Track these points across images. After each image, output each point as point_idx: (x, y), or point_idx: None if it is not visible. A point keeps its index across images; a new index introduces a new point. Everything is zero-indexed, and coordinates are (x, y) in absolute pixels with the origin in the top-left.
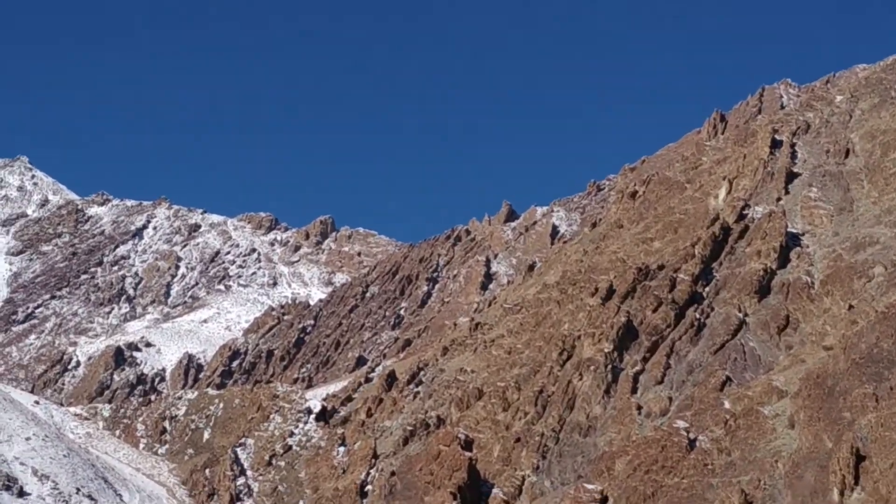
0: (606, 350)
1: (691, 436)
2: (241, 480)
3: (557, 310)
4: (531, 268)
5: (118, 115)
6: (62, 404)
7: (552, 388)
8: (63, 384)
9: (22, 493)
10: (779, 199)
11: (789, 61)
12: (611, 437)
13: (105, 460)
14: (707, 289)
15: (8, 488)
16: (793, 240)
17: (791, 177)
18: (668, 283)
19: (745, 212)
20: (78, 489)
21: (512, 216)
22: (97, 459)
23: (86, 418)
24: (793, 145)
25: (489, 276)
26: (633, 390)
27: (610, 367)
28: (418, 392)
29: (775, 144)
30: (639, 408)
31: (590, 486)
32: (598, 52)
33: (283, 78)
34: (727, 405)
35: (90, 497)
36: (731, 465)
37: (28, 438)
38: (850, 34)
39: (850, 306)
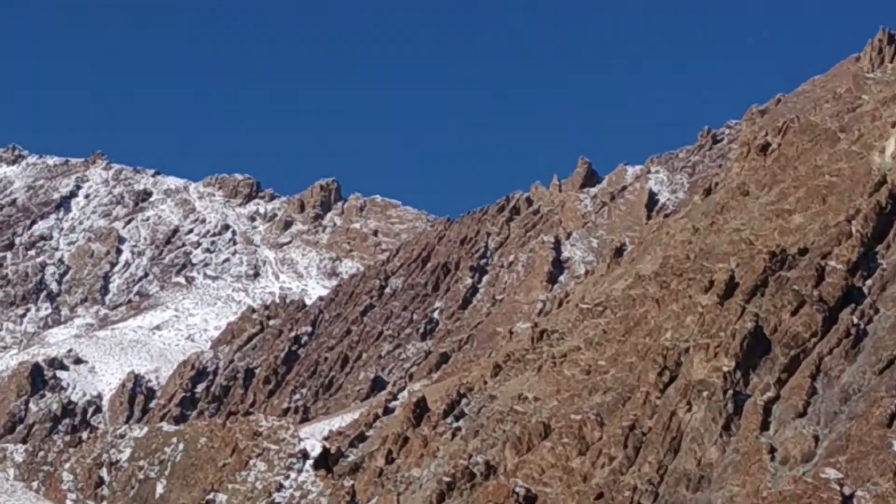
0: (726, 369)
1: (846, 490)
2: None
3: (656, 312)
4: (619, 251)
5: (37, 46)
6: None
7: (649, 422)
8: None
9: None
10: None
11: None
12: (732, 491)
13: None
14: (869, 282)
15: None
16: None
17: None
18: (814, 275)
19: None
20: None
21: (592, 179)
22: None
23: None
24: None
25: (559, 264)
26: (764, 426)
27: (731, 392)
28: (459, 428)
29: None
30: (772, 451)
31: None
32: None
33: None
34: None
35: None
36: None
37: None
38: None
39: None
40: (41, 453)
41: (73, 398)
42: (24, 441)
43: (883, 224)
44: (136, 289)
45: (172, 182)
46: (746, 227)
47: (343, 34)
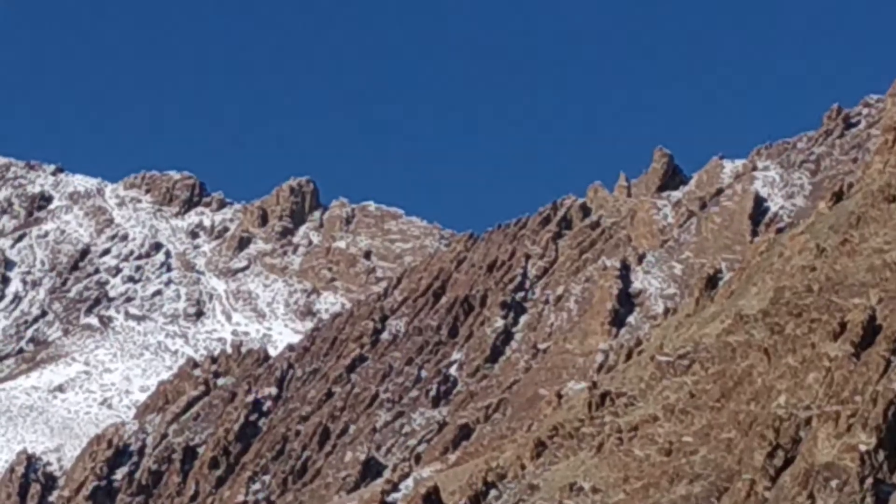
0: (864, 447)
1: None
2: None
3: (765, 366)
4: (712, 282)
5: None
6: None
7: None
8: None
9: None
10: None
11: None
12: None
13: None
14: None
15: None
16: None
17: None
18: None
19: None
20: None
21: (674, 179)
22: None
23: None
24: None
25: (628, 300)
26: None
27: (870, 481)
28: None
29: None
30: None
31: None
32: None
33: None
34: None
35: None
36: None
37: None
38: None
39: None
40: None
41: None
42: None
43: None
44: (29, 333)
45: (81, 182)
46: (893, 246)
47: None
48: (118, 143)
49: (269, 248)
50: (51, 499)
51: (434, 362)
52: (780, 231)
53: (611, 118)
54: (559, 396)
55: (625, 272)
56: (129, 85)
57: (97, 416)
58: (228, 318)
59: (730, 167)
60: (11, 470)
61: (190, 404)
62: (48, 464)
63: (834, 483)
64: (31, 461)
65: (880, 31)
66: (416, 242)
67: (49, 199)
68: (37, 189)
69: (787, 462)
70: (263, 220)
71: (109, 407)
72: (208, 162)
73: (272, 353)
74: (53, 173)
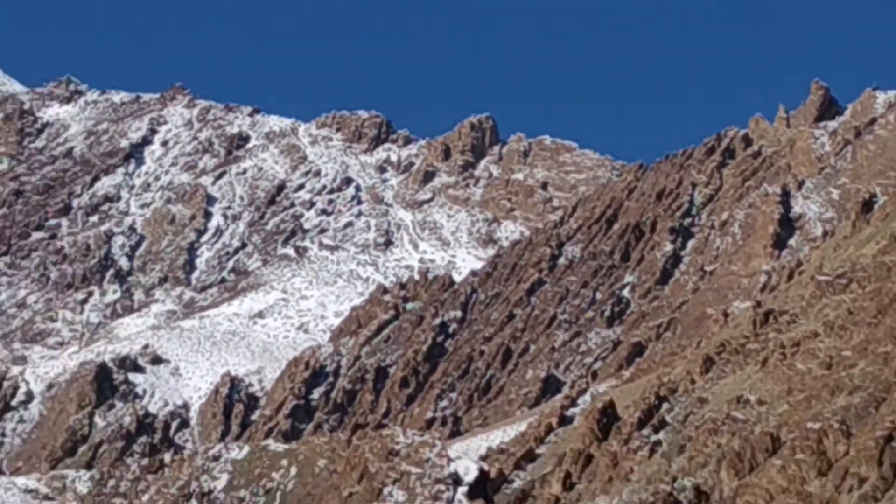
0: None
1: None
2: None
3: None
4: (868, 205)
5: None
6: (1, 472)
7: None
8: (2, 436)
9: None
10: None
11: None
12: None
13: None
14: None
15: None
16: None
17: None
18: None
19: None
20: None
21: (830, 110)
22: None
23: (47, 498)
24: None
25: (789, 223)
26: None
27: None
28: (659, 442)
29: None
30: None
31: None
32: None
33: None
34: None
35: None
36: None
37: None
38: None
39: None
40: (111, 482)
41: (152, 409)
42: (88, 466)
43: None
44: (230, 264)
45: (276, 123)
46: None
47: None
48: (310, 85)
49: (452, 180)
50: (252, 417)
51: (608, 285)
52: None
53: (770, 53)
54: (725, 315)
55: (785, 198)
56: (321, 32)
57: (294, 339)
58: (415, 246)
59: (883, 98)
60: (216, 391)
61: (381, 328)
62: (250, 385)
63: None
64: (234, 383)
65: None
66: (589, 173)
67: (247, 139)
68: (235, 130)
69: None
70: (446, 154)
71: (306, 331)
72: (395, 102)
73: (457, 278)
74: (250, 114)
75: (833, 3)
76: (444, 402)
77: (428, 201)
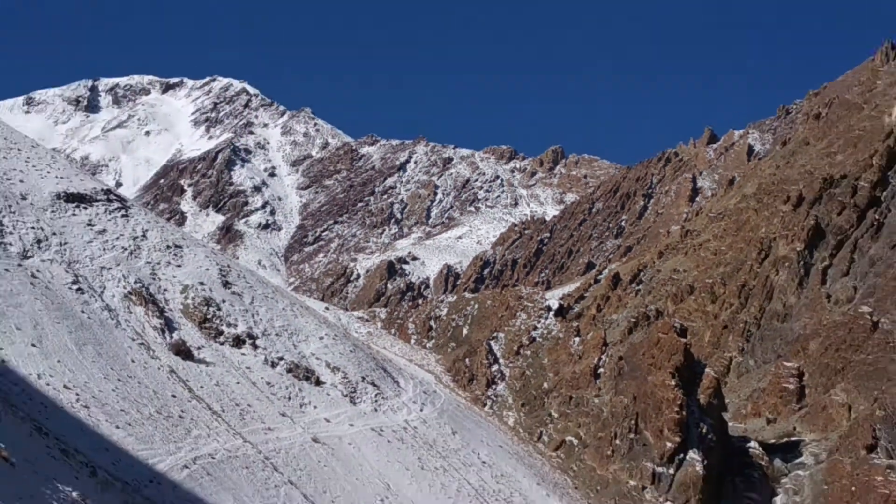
0: (798, 249)
1: (874, 319)
2: (494, 367)
3: (755, 216)
4: (731, 182)
5: (382, 67)
6: (347, 309)
7: (753, 282)
8: (347, 293)
9: (318, 382)
10: None
11: None
12: (804, 322)
13: (383, 354)
14: (885, 193)
15: (307, 378)
16: None
17: None
18: (851, 190)
19: None
20: (363, 377)
21: (713, 139)
22: (377, 353)
23: (366, 320)
24: None
25: (696, 191)
26: (823, 282)
27: (802, 263)
28: (639, 290)
29: None
30: (828, 297)
31: (788, 364)
32: None
33: (521, 21)
34: None
35: (373, 384)
36: None
37: (321, 338)
38: None
39: None
40: (395, 313)
41: (412, 280)
42: (385, 306)
43: (892, 158)
44: (446, 215)
45: (464, 151)
46: (809, 163)
47: None
48: (482, 129)
49: (544, 176)
50: (457, 283)
51: (615, 221)
52: (760, 159)
53: (687, 104)
54: (668, 233)
55: (694, 180)
56: (486, 101)
57: (475, 248)
58: (528, 205)
59: (737, 133)
60: (441, 272)
61: (513, 241)
62: (456, 269)
63: (787, 264)
64: (449, 269)
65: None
66: (605, 171)
67: (451, 159)
68: (445, 155)
69: (766, 255)
70: (541, 164)
71: (480, 244)
72: (518, 137)
73: (546, 219)
74: (453, 148)
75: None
76: (543, 275)
77: (533, 185)
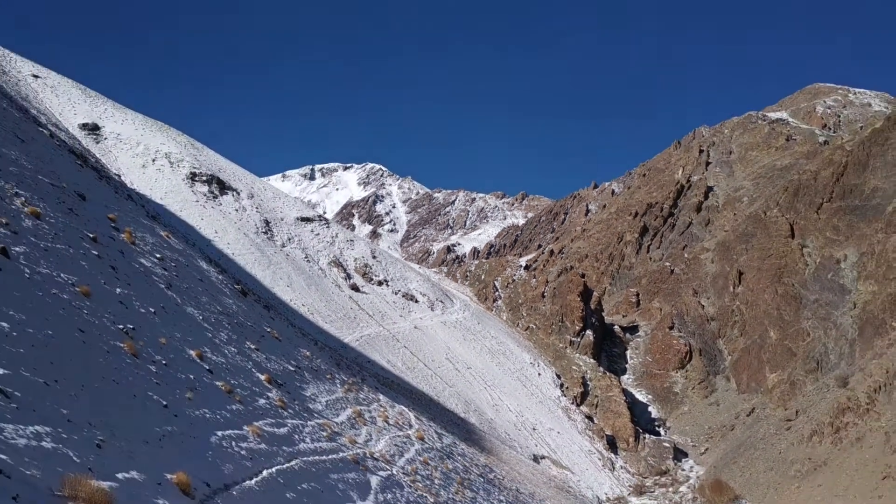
0: (636, 236)
1: (671, 268)
2: (496, 293)
3: (615, 221)
4: (604, 207)
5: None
6: (429, 267)
7: (615, 252)
8: (429, 260)
9: (416, 301)
10: None
11: None
12: (638, 270)
13: (445, 287)
14: (675, 210)
15: (411, 299)
16: None
17: None
18: (660, 209)
19: None
20: (437, 299)
21: (596, 186)
22: (443, 287)
23: (437, 273)
24: None
25: (588, 211)
26: (647, 251)
27: (638, 244)
28: (562, 256)
29: None
30: (650, 258)
31: (631, 290)
32: None
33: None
34: None
35: (441, 301)
36: None
37: (417, 281)
38: None
39: None
40: (451, 269)
41: (458, 253)
42: (445, 265)
43: (678, 194)
44: (472, 224)
45: (481, 194)
46: (640, 197)
47: None
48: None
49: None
50: None
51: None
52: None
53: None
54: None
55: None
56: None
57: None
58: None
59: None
60: None
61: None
62: None
63: None
64: None
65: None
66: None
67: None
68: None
69: None
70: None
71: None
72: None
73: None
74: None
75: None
76: (518, 250)
77: (512, 209)
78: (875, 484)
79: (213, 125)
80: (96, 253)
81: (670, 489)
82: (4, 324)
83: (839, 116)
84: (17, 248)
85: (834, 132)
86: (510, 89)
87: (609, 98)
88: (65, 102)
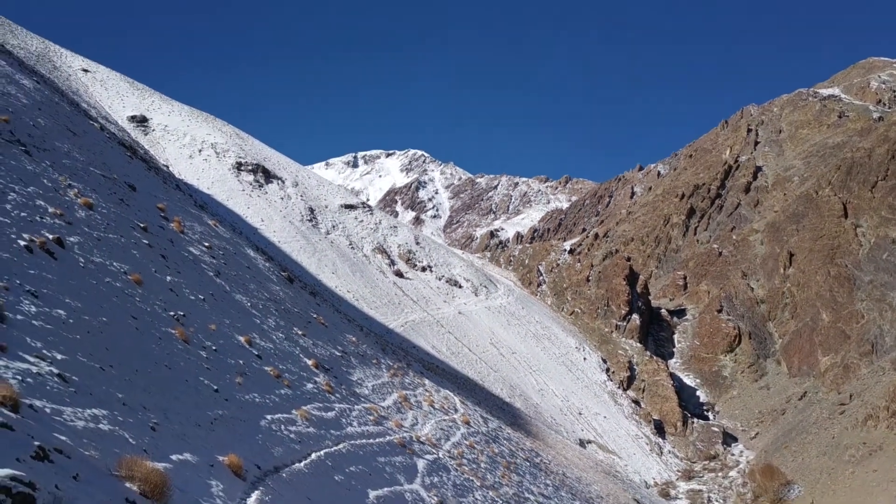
0: (682, 219)
1: (719, 250)
2: (541, 278)
3: (662, 203)
4: (650, 188)
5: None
6: (472, 253)
7: (661, 235)
8: (473, 245)
9: (459, 286)
10: None
11: None
12: (686, 252)
13: (489, 272)
14: (722, 192)
15: (455, 285)
16: None
17: None
18: (706, 191)
19: None
20: (480, 284)
21: (641, 169)
22: (487, 272)
23: (480, 258)
24: None
25: (633, 194)
26: (695, 233)
27: (684, 226)
28: (607, 239)
29: None
30: (697, 240)
31: (678, 273)
32: None
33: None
34: None
35: (485, 287)
36: None
37: (461, 266)
38: None
39: None
40: (494, 254)
41: (501, 238)
42: (489, 250)
43: (725, 175)
44: (516, 209)
45: (522, 178)
46: (687, 179)
47: None
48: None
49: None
50: None
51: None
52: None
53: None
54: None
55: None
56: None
57: None
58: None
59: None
60: None
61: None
62: None
63: None
64: None
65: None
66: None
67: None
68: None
69: None
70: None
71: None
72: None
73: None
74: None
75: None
76: (562, 234)
77: (556, 193)
78: None
79: (257, 115)
80: (147, 242)
81: (720, 474)
82: (61, 311)
83: (894, 91)
84: (71, 238)
85: (889, 108)
86: (551, 71)
87: (655, 77)
88: (114, 95)
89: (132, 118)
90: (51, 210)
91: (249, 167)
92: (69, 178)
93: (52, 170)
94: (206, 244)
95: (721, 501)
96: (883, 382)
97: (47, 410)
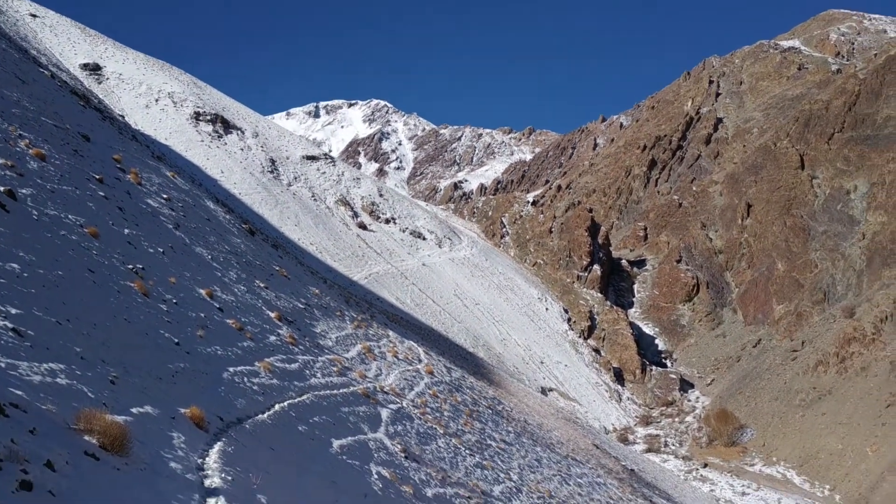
0: (644, 170)
1: (679, 201)
2: (503, 229)
3: (623, 155)
4: (612, 140)
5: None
6: (436, 205)
7: (622, 187)
8: (436, 198)
9: (423, 238)
10: None
11: None
12: (646, 203)
13: (453, 224)
14: (684, 143)
15: (419, 237)
16: None
17: None
18: (668, 142)
19: None
20: (444, 236)
21: (604, 120)
22: (450, 224)
23: (444, 210)
24: None
25: (595, 145)
26: (655, 184)
27: (645, 178)
28: (569, 191)
29: None
30: (658, 191)
31: (639, 224)
32: None
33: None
34: None
35: (448, 238)
36: None
37: (424, 218)
38: None
39: None
40: (458, 205)
41: (465, 190)
42: (453, 202)
43: (686, 127)
44: (479, 160)
45: (488, 130)
46: (648, 130)
47: None
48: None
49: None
50: None
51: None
52: None
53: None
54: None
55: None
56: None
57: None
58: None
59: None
60: None
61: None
62: None
63: None
64: None
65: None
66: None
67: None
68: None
69: None
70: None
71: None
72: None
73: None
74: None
75: None
76: (525, 186)
77: (520, 144)
78: (879, 411)
79: (216, 63)
80: (103, 194)
81: (676, 419)
82: (15, 265)
83: (853, 44)
84: (23, 191)
85: (847, 60)
86: (518, 18)
87: (616, 30)
88: (64, 42)
89: (84, 66)
90: (0, 161)
91: (208, 117)
92: (19, 128)
93: (0, 119)
94: (165, 196)
95: (677, 445)
96: (833, 329)
97: (2, 365)
